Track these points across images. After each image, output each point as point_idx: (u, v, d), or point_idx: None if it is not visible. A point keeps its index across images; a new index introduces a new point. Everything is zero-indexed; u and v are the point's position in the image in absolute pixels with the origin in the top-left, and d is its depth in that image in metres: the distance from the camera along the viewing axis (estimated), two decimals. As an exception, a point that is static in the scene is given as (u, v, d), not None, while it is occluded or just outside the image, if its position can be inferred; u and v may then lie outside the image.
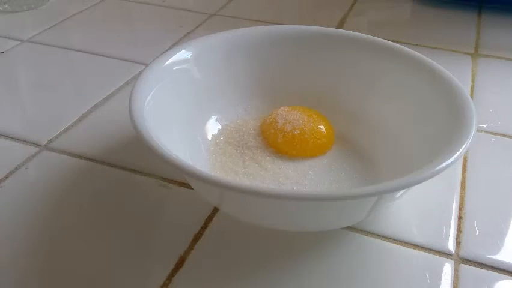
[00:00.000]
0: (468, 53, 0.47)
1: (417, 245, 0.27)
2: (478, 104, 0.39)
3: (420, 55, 0.32)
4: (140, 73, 0.30)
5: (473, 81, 0.43)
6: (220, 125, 0.33)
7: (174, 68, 0.32)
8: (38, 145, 0.35)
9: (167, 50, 0.47)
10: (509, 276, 0.26)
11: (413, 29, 0.53)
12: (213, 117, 0.34)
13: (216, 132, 0.33)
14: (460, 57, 0.47)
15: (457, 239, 0.28)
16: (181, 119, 0.31)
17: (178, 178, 0.31)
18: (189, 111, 0.32)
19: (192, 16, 0.55)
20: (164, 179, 0.31)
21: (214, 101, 0.34)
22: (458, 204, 0.30)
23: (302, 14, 0.57)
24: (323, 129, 0.32)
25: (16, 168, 0.32)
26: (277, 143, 0.32)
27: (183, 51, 0.32)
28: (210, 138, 0.32)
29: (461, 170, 0.33)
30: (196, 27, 0.52)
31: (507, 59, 0.47)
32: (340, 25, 0.53)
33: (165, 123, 0.28)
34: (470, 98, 0.28)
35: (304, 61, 0.35)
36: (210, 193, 0.26)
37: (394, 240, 0.28)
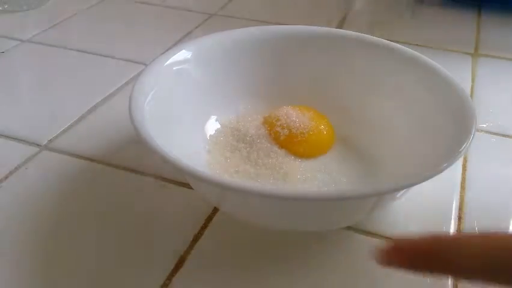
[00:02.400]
0: (468, 53, 0.47)
1: (417, 245, 0.27)
2: (478, 104, 0.39)
3: (420, 55, 0.32)
4: (140, 73, 0.30)
5: (473, 81, 0.43)
6: (220, 124, 0.33)
7: (174, 68, 0.32)
8: (38, 145, 0.35)
9: (167, 50, 0.47)
10: (509, 276, 0.26)
11: (413, 29, 0.53)
12: (213, 117, 0.33)
13: (215, 132, 0.33)
14: (460, 57, 0.47)
15: (457, 239, 0.28)
16: (181, 119, 0.31)
17: (178, 178, 0.31)
18: (189, 111, 0.32)
19: (192, 16, 0.55)
20: (164, 179, 0.31)
21: (214, 101, 0.33)
22: (458, 204, 0.30)
23: (302, 14, 0.57)
24: (324, 129, 0.32)
25: (16, 168, 0.32)
26: (279, 141, 0.32)
27: (183, 51, 0.32)
28: (209, 138, 0.32)
29: (461, 170, 0.33)
30: (196, 27, 0.52)
31: (507, 59, 0.47)
32: (340, 25, 0.53)
33: (165, 123, 0.28)
34: (470, 98, 0.28)
35: (304, 61, 0.35)
36: (210, 193, 0.26)
37: (394, 240, 0.28)
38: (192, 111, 0.32)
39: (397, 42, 0.34)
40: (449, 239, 0.18)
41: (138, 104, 0.27)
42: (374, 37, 0.34)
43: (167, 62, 0.31)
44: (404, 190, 0.24)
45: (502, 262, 0.16)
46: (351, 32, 0.35)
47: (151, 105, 0.28)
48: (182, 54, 0.32)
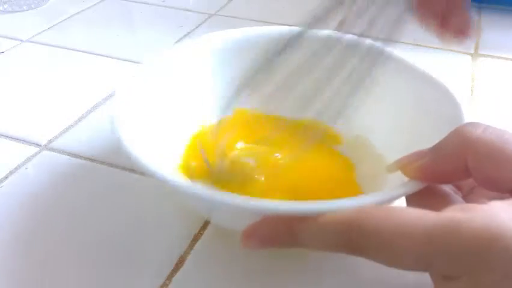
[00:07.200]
0: (468, 53, 0.47)
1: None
2: (477, 104, 0.39)
3: (408, 60, 0.31)
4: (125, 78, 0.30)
5: (473, 81, 0.43)
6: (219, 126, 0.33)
7: (171, 68, 0.32)
8: (38, 145, 0.35)
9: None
10: (509, 276, 0.26)
11: (413, 29, 0.53)
12: (210, 120, 0.33)
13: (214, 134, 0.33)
14: (460, 57, 0.47)
15: (456, 239, 0.28)
16: (174, 122, 0.31)
17: (178, 178, 0.31)
18: (183, 114, 0.31)
19: (192, 16, 0.55)
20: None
21: (212, 103, 0.33)
22: (458, 204, 0.30)
23: (302, 14, 0.56)
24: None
25: (16, 168, 0.32)
26: None
27: (181, 51, 0.32)
28: (208, 141, 0.32)
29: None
30: (196, 27, 0.52)
31: (507, 59, 0.47)
32: (340, 25, 0.52)
33: (154, 129, 0.28)
34: (460, 102, 0.27)
35: (305, 61, 0.35)
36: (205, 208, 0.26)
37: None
38: (186, 114, 0.32)
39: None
40: (288, 219, 0.21)
41: (123, 113, 0.26)
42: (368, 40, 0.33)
43: (161, 63, 0.31)
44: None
45: (333, 236, 0.20)
46: (349, 35, 0.35)
47: (139, 110, 0.28)
48: (182, 53, 0.32)
